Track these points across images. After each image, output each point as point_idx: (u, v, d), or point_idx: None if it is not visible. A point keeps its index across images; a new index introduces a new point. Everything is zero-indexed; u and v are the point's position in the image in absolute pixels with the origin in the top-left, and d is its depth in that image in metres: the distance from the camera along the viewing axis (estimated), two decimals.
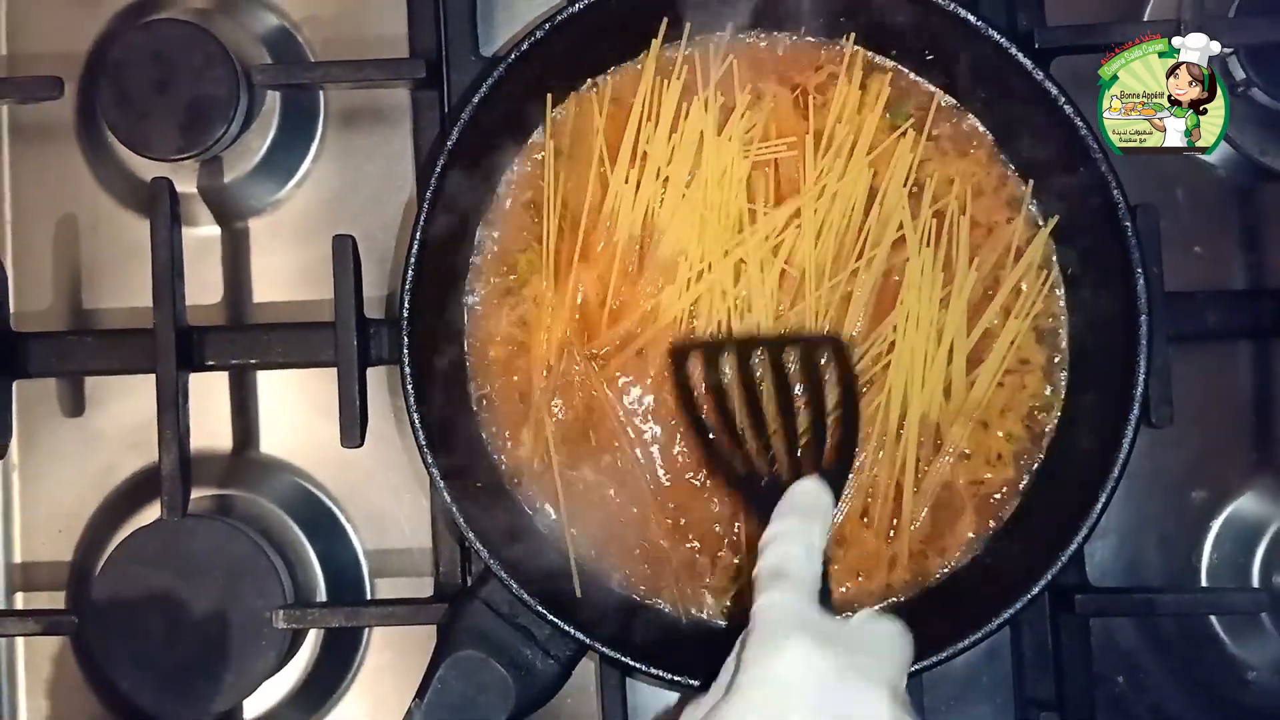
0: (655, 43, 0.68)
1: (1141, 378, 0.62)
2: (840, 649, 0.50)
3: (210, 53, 0.70)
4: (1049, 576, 0.62)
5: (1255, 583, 0.72)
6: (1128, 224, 0.63)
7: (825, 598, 0.54)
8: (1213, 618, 0.73)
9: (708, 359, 0.64)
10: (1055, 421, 0.68)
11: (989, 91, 0.67)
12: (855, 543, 0.67)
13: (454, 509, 0.63)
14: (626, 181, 0.67)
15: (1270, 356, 0.74)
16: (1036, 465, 0.68)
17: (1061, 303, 0.68)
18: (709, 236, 0.67)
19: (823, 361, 0.64)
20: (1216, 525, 0.74)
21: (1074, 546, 0.62)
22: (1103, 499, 0.62)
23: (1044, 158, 0.67)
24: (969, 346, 0.67)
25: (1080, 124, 0.63)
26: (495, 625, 0.64)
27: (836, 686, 0.49)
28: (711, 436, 0.62)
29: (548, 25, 0.64)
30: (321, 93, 0.76)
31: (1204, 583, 0.73)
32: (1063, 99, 0.64)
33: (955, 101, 0.69)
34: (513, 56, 0.64)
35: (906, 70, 0.69)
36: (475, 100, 0.64)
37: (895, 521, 0.67)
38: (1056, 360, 0.68)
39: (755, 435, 0.62)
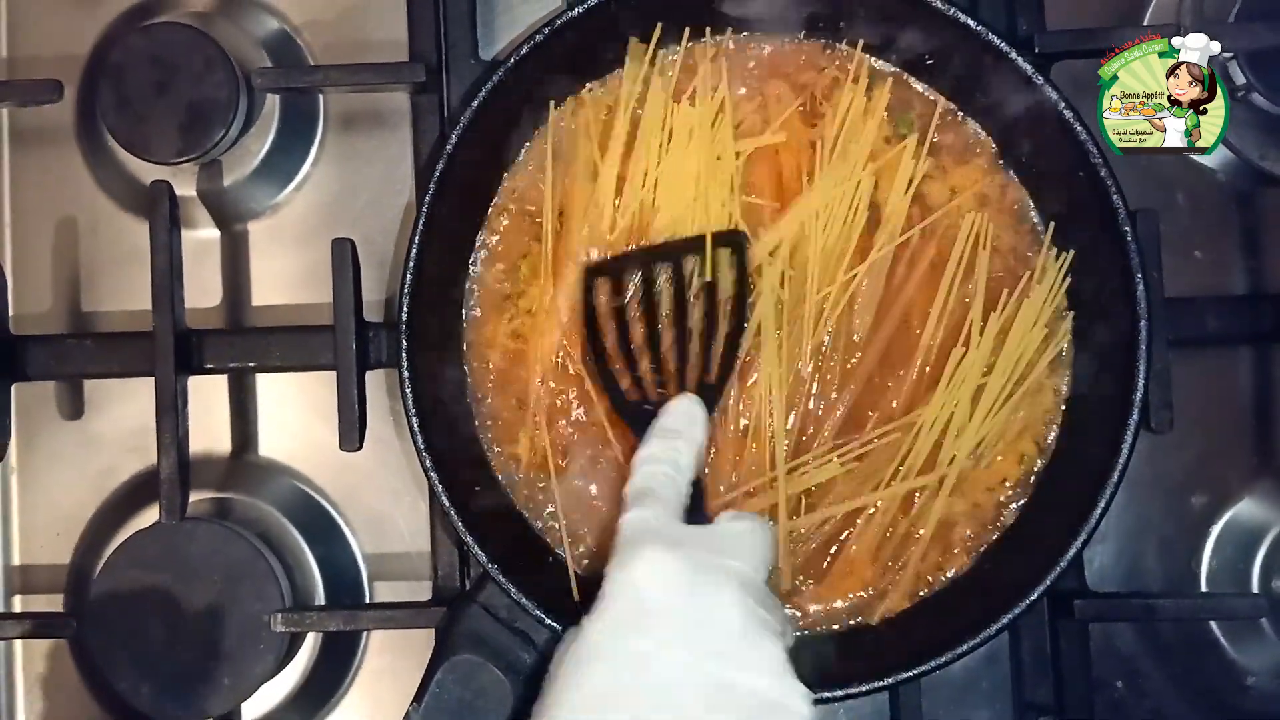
0: (639, 48, 0.68)
1: (1141, 383, 0.62)
2: (691, 550, 0.52)
3: (210, 56, 0.70)
4: (1047, 582, 0.62)
5: (1255, 588, 0.72)
6: (1127, 229, 0.63)
7: (698, 513, 0.56)
8: (1212, 623, 0.73)
9: (615, 283, 0.65)
10: (1056, 429, 0.67)
11: (989, 96, 0.67)
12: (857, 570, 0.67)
13: (452, 513, 0.63)
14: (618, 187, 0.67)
15: (1270, 361, 0.74)
16: (1035, 473, 0.67)
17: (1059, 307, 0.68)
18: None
19: (724, 268, 0.65)
20: (1216, 530, 0.74)
21: (1072, 552, 0.62)
22: (1101, 505, 0.62)
23: (1044, 163, 0.67)
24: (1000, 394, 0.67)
25: (1080, 128, 0.63)
26: (493, 629, 0.64)
27: (688, 588, 0.51)
28: (606, 366, 0.64)
29: (547, 29, 0.64)
30: (321, 96, 0.76)
31: (1203, 588, 0.73)
32: (1063, 104, 0.64)
33: (955, 107, 0.69)
34: (512, 61, 0.64)
35: (907, 76, 0.69)
36: (475, 104, 0.64)
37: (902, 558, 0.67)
38: (1060, 369, 0.68)
39: (649, 361, 0.64)
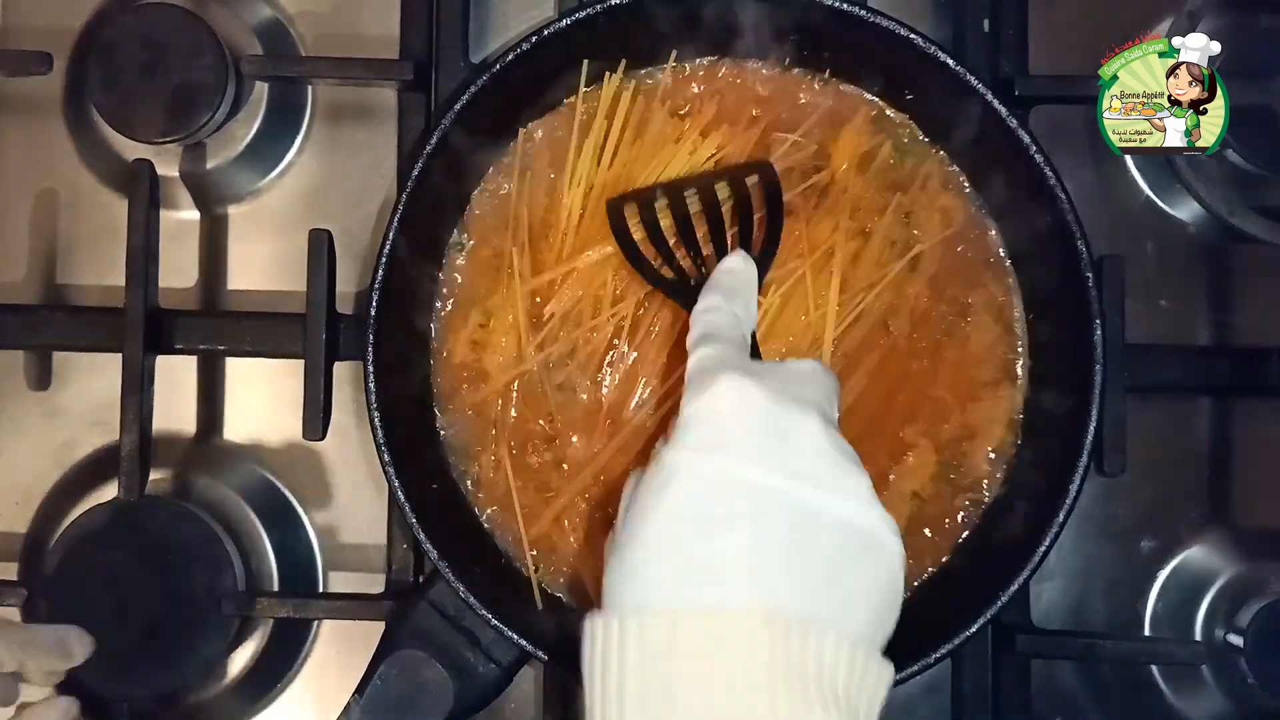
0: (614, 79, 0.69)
1: (1092, 426, 0.63)
2: (770, 381, 0.50)
3: (201, 40, 0.70)
4: (989, 614, 0.62)
5: (1198, 635, 0.73)
6: (1089, 275, 0.64)
7: (754, 356, 0.55)
8: (1154, 667, 0.74)
9: (643, 206, 0.65)
10: (1008, 466, 0.68)
11: (964, 134, 0.68)
12: None
13: (406, 507, 0.64)
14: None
15: (1228, 413, 0.75)
16: (984, 506, 0.68)
17: (1021, 346, 0.69)
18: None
19: (751, 184, 0.65)
20: (1163, 575, 0.75)
21: (1015, 587, 0.62)
22: (1046, 543, 0.63)
23: (1014, 204, 0.68)
24: None
25: (1049, 173, 0.64)
26: (440, 626, 0.64)
27: (770, 409, 0.48)
28: (646, 260, 0.63)
29: (535, 38, 0.65)
30: (310, 87, 0.77)
31: (1147, 632, 0.74)
32: (1034, 147, 0.64)
33: (929, 140, 0.70)
34: (498, 66, 0.65)
35: (885, 106, 0.70)
36: (457, 106, 0.64)
37: None
38: (1020, 385, 0.69)
39: (688, 252, 0.63)
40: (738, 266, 0.59)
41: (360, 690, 0.63)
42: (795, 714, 0.44)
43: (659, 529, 0.47)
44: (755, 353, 0.57)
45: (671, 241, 0.64)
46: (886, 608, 0.48)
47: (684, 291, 0.61)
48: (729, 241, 0.63)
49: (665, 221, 0.65)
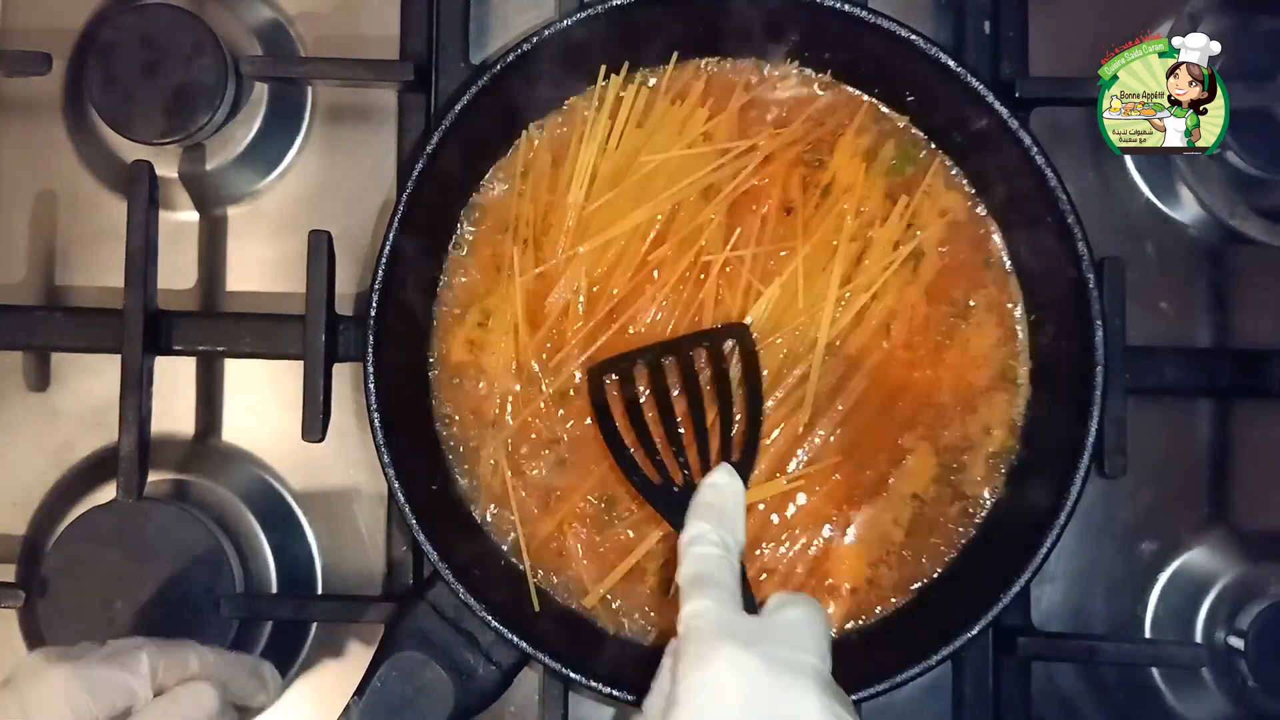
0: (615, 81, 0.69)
1: (1093, 427, 0.63)
2: (765, 647, 0.51)
3: (201, 40, 0.70)
4: (990, 616, 0.62)
5: (1198, 638, 0.73)
6: (1090, 276, 0.64)
7: (746, 593, 0.55)
8: (1154, 670, 0.74)
9: (622, 376, 0.65)
10: (1008, 467, 0.68)
11: (964, 136, 0.68)
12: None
13: (406, 508, 0.63)
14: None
15: (1228, 415, 0.75)
16: (988, 509, 0.68)
17: (1022, 348, 0.69)
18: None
19: (728, 350, 0.65)
20: (1164, 578, 0.74)
21: (1015, 589, 0.62)
22: (1046, 545, 0.63)
23: (1015, 205, 0.68)
24: None
25: (1051, 175, 0.64)
26: (440, 628, 0.64)
27: (768, 686, 0.49)
28: (628, 452, 0.63)
29: (536, 38, 0.65)
30: (309, 88, 0.77)
31: (1147, 634, 0.74)
32: (1035, 149, 0.64)
33: (931, 142, 0.70)
34: (499, 66, 0.65)
35: (885, 108, 0.70)
36: (458, 107, 0.64)
37: None
38: (1020, 386, 0.69)
39: (668, 446, 0.63)
40: (723, 482, 0.59)
41: (360, 692, 0.63)
42: None
43: None
44: (744, 584, 0.56)
45: (650, 425, 0.63)
46: None
47: (669, 502, 0.60)
48: (712, 451, 0.62)
49: (645, 396, 0.65)
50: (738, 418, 0.63)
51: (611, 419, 0.64)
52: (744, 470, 0.60)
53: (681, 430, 0.63)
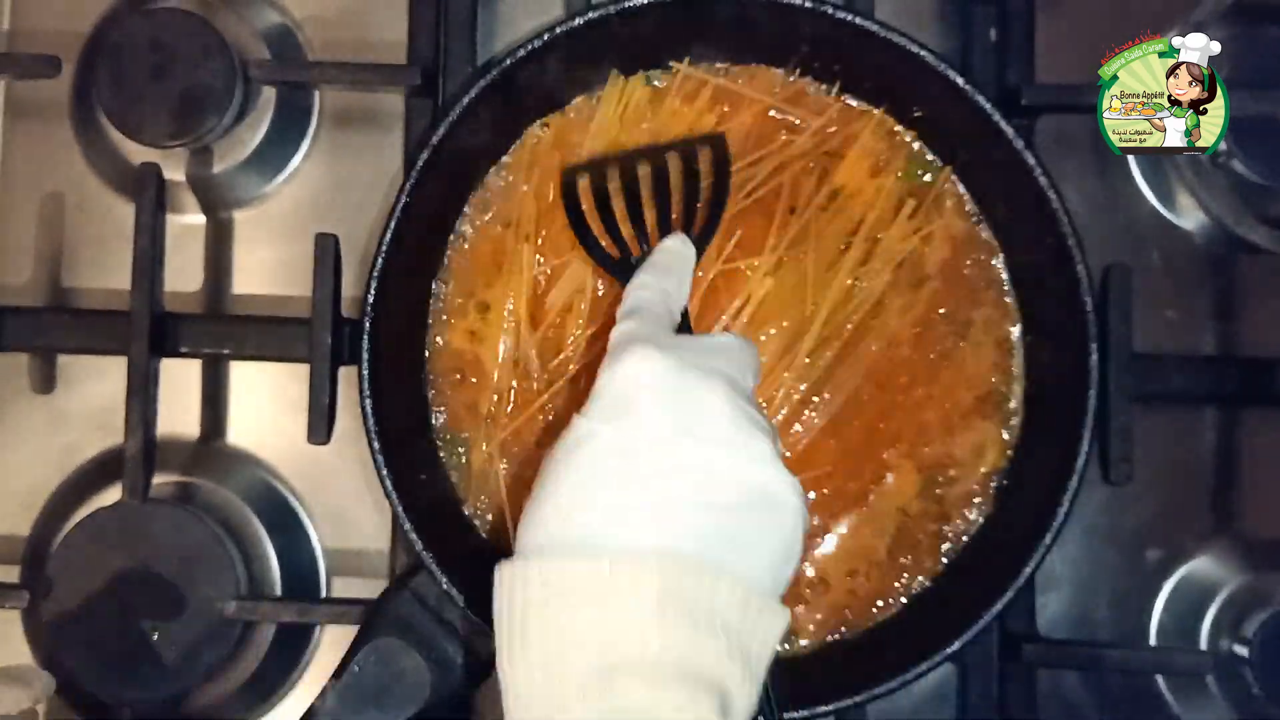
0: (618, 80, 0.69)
1: (1084, 450, 0.63)
2: (681, 352, 0.52)
3: (209, 44, 0.70)
4: (990, 615, 0.62)
5: (1203, 645, 0.73)
6: (1087, 299, 0.64)
7: (686, 333, 0.57)
8: (1159, 677, 0.73)
9: (594, 176, 0.66)
10: (1009, 466, 0.68)
11: (968, 151, 0.68)
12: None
13: (393, 496, 0.63)
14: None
15: (1235, 423, 0.75)
16: (989, 512, 0.68)
17: (1018, 366, 0.69)
18: None
19: (701, 154, 0.66)
20: (1169, 585, 0.74)
21: (1011, 592, 0.62)
22: (1041, 549, 0.63)
23: (1016, 225, 0.68)
24: None
25: (1052, 196, 0.64)
26: (420, 616, 0.63)
27: (677, 380, 0.51)
28: (591, 234, 0.65)
29: (546, 36, 0.65)
30: (317, 92, 0.77)
31: (1153, 641, 0.74)
32: (1032, 160, 0.64)
33: (936, 157, 0.70)
34: (506, 63, 0.65)
35: (892, 122, 0.70)
36: (462, 103, 0.64)
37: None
38: (1013, 407, 0.69)
39: (628, 223, 0.65)
40: (675, 247, 0.62)
41: (337, 675, 0.62)
42: (686, 648, 0.46)
43: (568, 486, 0.50)
44: (687, 327, 0.59)
45: (619, 215, 0.65)
46: (783, 559, 0.50)
47: (624, 269, 0.62)
48: (674, 220, 0.64)
49: (615, 186, 0.66)
50: (703, 196, 0.65)
51: (579, 207, 0.66)
52: (700, 244, 0.63)
53: (646, 215, 0.65)
